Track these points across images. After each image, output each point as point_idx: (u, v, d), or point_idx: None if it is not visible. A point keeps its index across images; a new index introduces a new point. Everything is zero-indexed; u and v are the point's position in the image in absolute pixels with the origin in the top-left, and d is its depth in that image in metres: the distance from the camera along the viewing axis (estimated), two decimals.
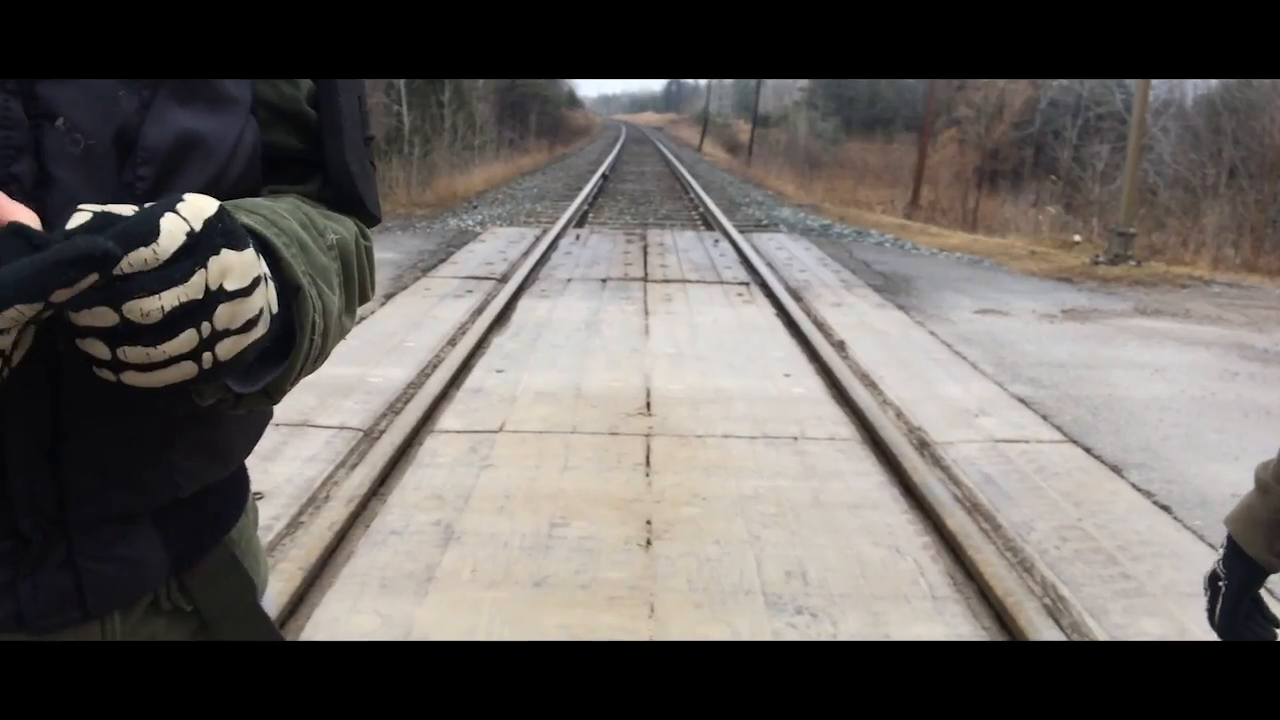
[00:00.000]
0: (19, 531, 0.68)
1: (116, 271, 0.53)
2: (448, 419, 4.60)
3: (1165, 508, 3.82)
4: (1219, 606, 1.19)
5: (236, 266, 0.58)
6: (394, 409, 4.64)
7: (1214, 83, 19.66)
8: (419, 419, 4.40)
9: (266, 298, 0.62)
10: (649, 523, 3.53)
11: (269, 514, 3.40)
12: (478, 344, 5.92)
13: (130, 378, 0.57)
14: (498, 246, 10.48)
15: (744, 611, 2.94)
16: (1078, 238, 13.20)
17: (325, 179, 0.84)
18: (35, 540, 0.69)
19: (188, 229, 0.56)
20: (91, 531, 0.72)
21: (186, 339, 0.56)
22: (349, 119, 0.84)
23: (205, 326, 0.57)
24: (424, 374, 5.24)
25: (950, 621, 2.94)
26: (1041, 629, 2.80)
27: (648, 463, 4.12)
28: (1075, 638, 2.82)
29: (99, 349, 0.56)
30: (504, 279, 8.35)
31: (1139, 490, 4.00)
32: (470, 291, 7.76)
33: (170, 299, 0.55)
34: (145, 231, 0.54)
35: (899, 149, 33.06)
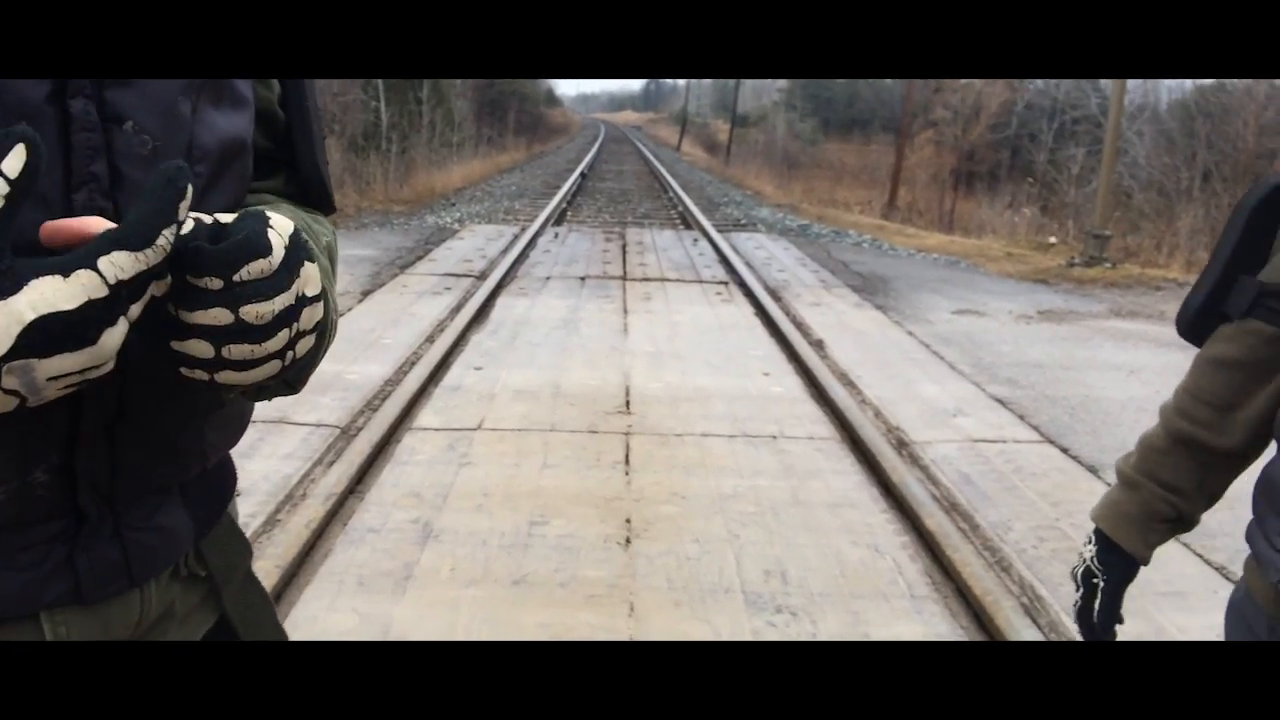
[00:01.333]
0: (78, 508, 0.71)
1: (236, 278, 0.60)
2: (426, 416, 4.57)
3: None
4: (1100, 603, 1.20)
5: (313, 276, 0.67)
6: (372, 406, 4.61)
7: (1188, 86, 19.87)
8: (397, 416, 4.37)
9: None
10: (628, 521, 3.52)
11: (246, 511, 3.37)
12: (456, 341, 5.89)
13: (226, 376, 0.63)
14: (476, 244, 10.44)
15: (723, 610, 2.94)
16: (1053, 240, 13.29)
17: (290, 175, 0.90)
18: (91, 516, 0.72)
19: (285, 243, 0.64)
20: (136, 504, 0.76)
21: (281, 337, 0.64)
22: (315, 119, 0.90)
23: (294, 326, 0.65)
24: (402, 371, 5.21)
25: (929, 621, 2.95)
26: (1020, 628, 2.81)
27: (627, 461, 4.11)
28: (1053, 637, 2.83)
29: (203, 349, 0.62)
30: (482, 276, 8.31)
31: None
32: (449, 289, 7.73)
33: (280, 303, 0.63)
34: (263, 245, 0.62)
35: (876, 150, 33.22)
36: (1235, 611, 1.11)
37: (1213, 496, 1.18)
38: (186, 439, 0.79)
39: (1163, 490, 1.16)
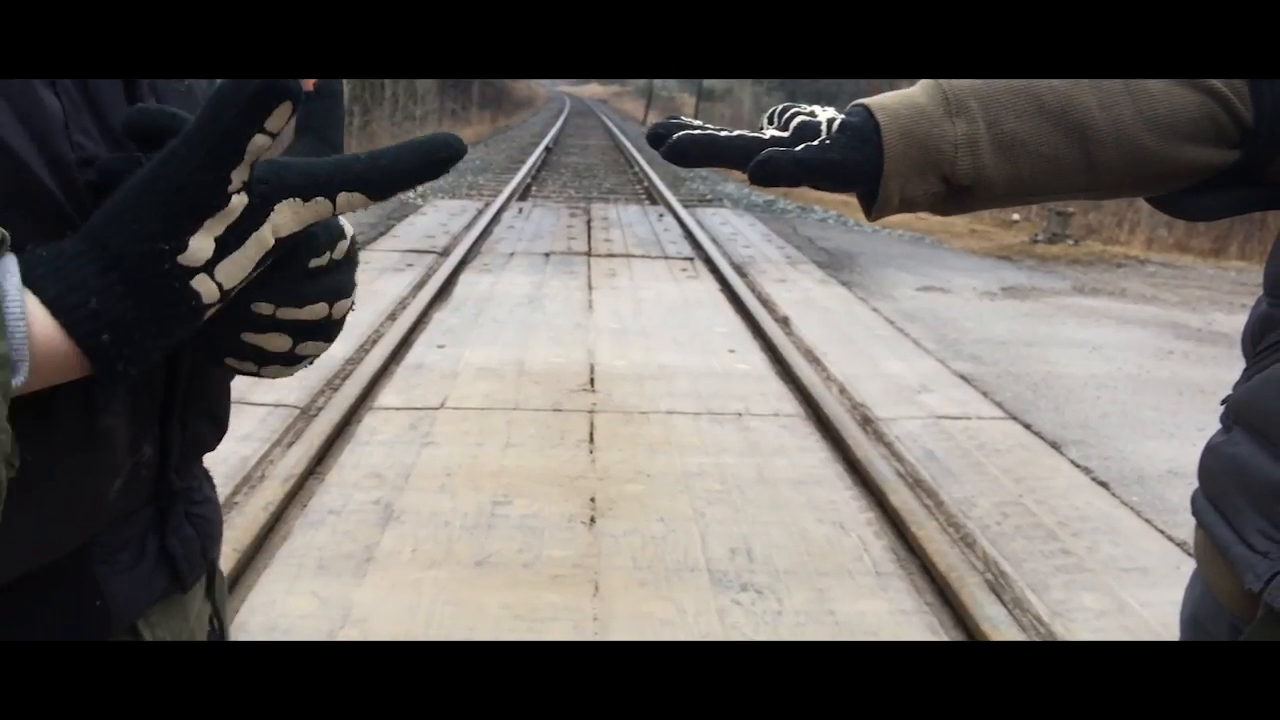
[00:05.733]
0: (170, 486, 0.67)
1: (318, 264, 0.58)
2: (387, 396, 4.51)
3: (1103, 484, 3.87)
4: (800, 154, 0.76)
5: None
6: (332, 385, 4.54)
7: None
8: (358, 396, 4.31)
9: None
10: (593, 500, 3.49)
11: None
12: (418, 319, 5.81)
13: (272, 371, 0.62)
14: (439, 219, 10.32)
15: (689, 589, 2.92)
16: (1016, 216, 13.37)
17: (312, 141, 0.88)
18: (176, 492, 0.69)
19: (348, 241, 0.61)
20: (190, 476, 0.72)
21: (332, 339, 0.63)
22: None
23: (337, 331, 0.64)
24: (363, 349, 5.13)
25: (894, 598, 2.95)
26: (984, 604, 2.82)
27: (591, 439, 4.07)
28: (1017, 613, 2.84)
29: (280, 342, 0.59)
30: (445, 253, 8.21)
31: (1078, 467, 4.05)
32: (411, 265, 7.63)
33: (352, 299, 0.62)
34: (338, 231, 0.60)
35: None
36: (1190, 613, 0.98)
37: (1029, 192, 0.83)
38: (225, 401, 0.75)
39: (1000, 135, 0.80)
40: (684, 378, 4.97)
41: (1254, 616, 0.84)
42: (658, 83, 56.55)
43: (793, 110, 0.80)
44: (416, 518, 3.28)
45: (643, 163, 19.42)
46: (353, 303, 0.62)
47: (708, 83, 41.68)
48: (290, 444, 3.78)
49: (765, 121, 0.82)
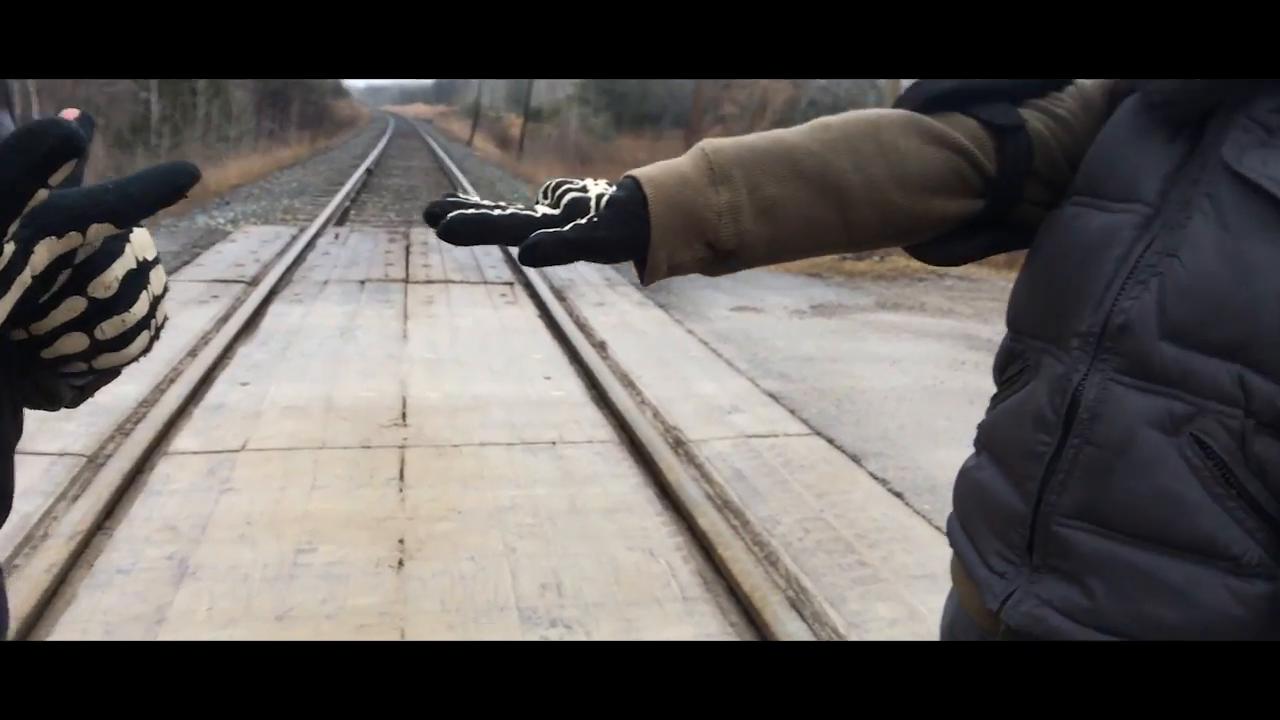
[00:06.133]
0: None
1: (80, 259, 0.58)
2: (184, 439, 4.30)
3: (898, 494, 4.08)
4: (568, 234, 0.79)
5: (144, 240, 0.64)
6: (123, 430, 4.30)
7: None
8: (151, 440, 4.10)
9: None
10: (402, 542, 3.43)
11: None
12: (221, 355, 5.58)
13: (104, 360, 0.62)
14: (250, 246, 9.93)
15: (497, 629, 2.91)
16: None
17: None
18: None
19: None
20: None
21: (142, 303, 0.62)
22: None
23: (148, 291, 0.63)
24: (159, 389, 4.88)
25: (700, 622, 3.02)
26: (786, 622, 2.92)
27: (401, 477, 4.00)
28: (817, 628, 2.96)
29: (78, 341, 0.60)
30: (254, 282, 7.92)
31: (876, 479, 4.25)
32: (216, 297, 7.31)
33: (119, 268, 0.60)
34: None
35: (667, 145, 33.82)
36: (948, 623, 1.08)
37: (782, 249, 0.89)
38: (11, 476, 0.72)
39: (761, 200, 0.84)
40: (498, 407, 4.95)
41: (998, 631, 0.94)
42: (485, 103, 56.15)
43: (565, 187, 0.84)
44: (213, 572, 3.14)
45: (467, 184, 19.26)
46: (124, 270, 0.61)
47: (535, 103, 41.70)
48: (76, 497, 3.56)
49: (541, 196, 0.85)
